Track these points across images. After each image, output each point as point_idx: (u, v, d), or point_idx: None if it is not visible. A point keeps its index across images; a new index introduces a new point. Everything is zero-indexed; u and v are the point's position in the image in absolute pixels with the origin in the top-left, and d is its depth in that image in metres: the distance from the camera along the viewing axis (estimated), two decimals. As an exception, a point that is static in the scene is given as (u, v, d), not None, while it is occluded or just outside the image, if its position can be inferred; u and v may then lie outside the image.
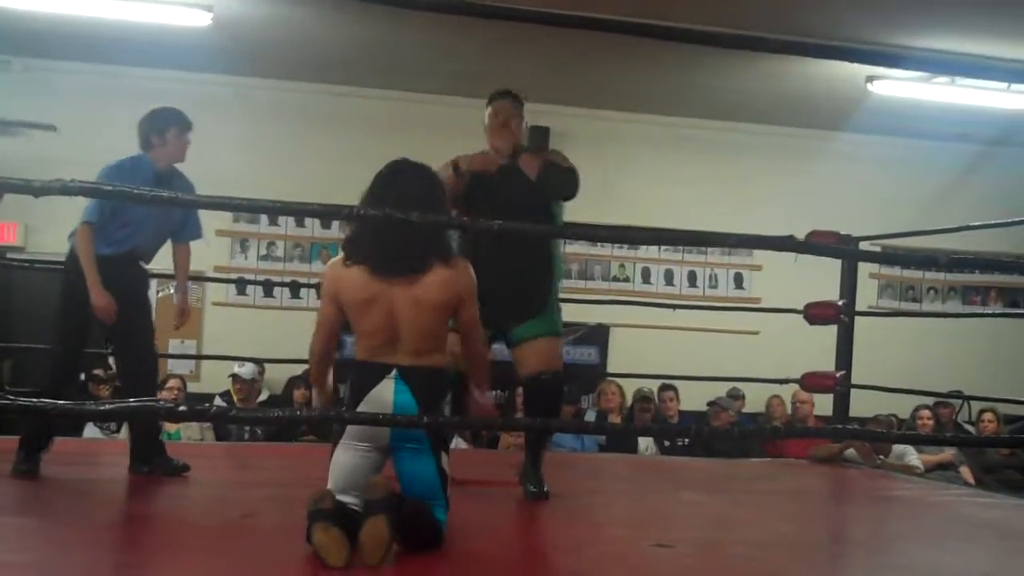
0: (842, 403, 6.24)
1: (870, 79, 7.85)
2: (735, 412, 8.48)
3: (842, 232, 5.45)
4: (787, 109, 8.99)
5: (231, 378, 7.90)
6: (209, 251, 8.59)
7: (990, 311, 10.22)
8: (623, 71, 8.08)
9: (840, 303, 5.95)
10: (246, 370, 7.85)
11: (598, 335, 9.19)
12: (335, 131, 8.83)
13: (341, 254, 3.34)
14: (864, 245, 6.02)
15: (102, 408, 3.39)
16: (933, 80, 7.85)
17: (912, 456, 7.50)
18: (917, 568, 3.65)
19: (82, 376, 6.64)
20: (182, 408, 3.17)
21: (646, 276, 9.71)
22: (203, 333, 8.85)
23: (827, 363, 6.22)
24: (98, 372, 7.22)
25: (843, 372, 6.08)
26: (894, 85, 7.96)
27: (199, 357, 8.62)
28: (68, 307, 4.49)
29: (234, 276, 8.61)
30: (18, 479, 4.31)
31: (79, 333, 4.52)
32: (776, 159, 9.68)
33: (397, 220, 3.04)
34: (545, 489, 4.38)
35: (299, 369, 8.02)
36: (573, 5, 3.82)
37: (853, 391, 6.19)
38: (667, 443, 7.71)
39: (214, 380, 8.24)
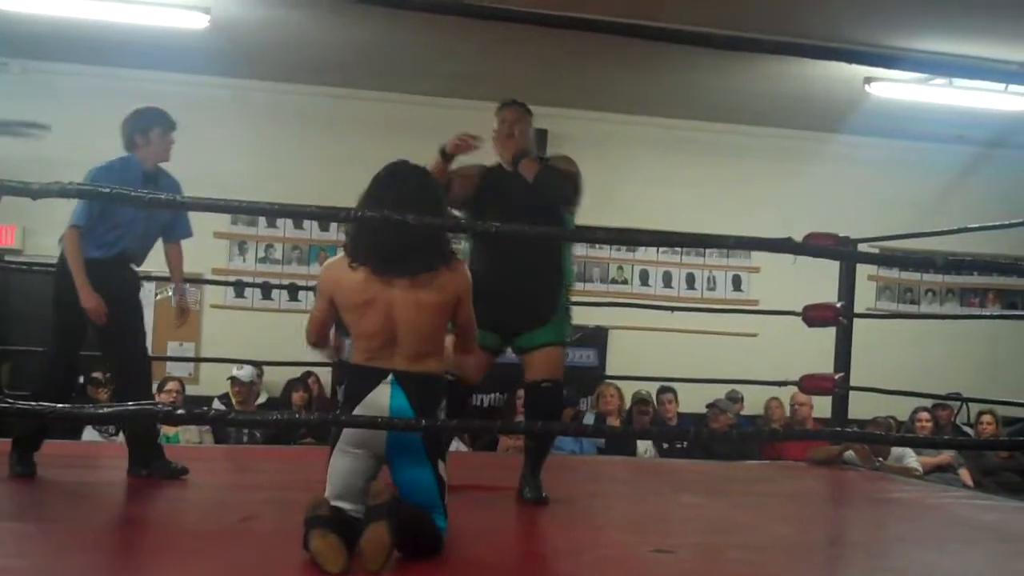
0: (841, 405, 6.23)
1: (868, 81, 7.86)
2: (734, 414, 8.48)
3: (840, 234, 5.44)
4: (785, 111, 8.99)
5: (230, 381, 7.89)
6: (207, 253, 8.62)
7: (988, 313, 10.22)
8: (621, 73, 8.08)
9: (838, 305, 5.95)
10: (245, 373, 7.84)
11: (597, 337, 9.18)
12: (333, 133, 8.83)
13: (339, 254, 3.34)
14: (862, 247, 6.02)
15: (100, 411, 3.38)
16: (931, 82, 7.85)
17: (911, 458, 7.50)
18: (915, 571, 3.65)
19: (80, 379, 6.63)
20: (180, 411, 3.16)
21: (644, 278, 9.71)
22: (201, 336, 8.84)
23: (825, 365, 6.22)
24: (96, 375, 7.22)
25: (841, 374, 6.08)
26: (892, 87, 7.96)
27: (197, 360, 8.62)
28: (61, 310, 4.48)
29: (232, 278, 8.62)
30: (15, 482, 4.31)
31: (73, 336, 4.51)
32: (774, 161, 9.68)
33: (396, 221, 3.04)
34: (544, 495, 4.37)
35: (298, 372, 8.02)
36: (571, 7, 3.82)
37: (852, 393, 6.18)
38: (666, 445, 7.70)
39: (213, 383, 8.24)
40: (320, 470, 3.29)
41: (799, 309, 5.87)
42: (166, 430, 6.59)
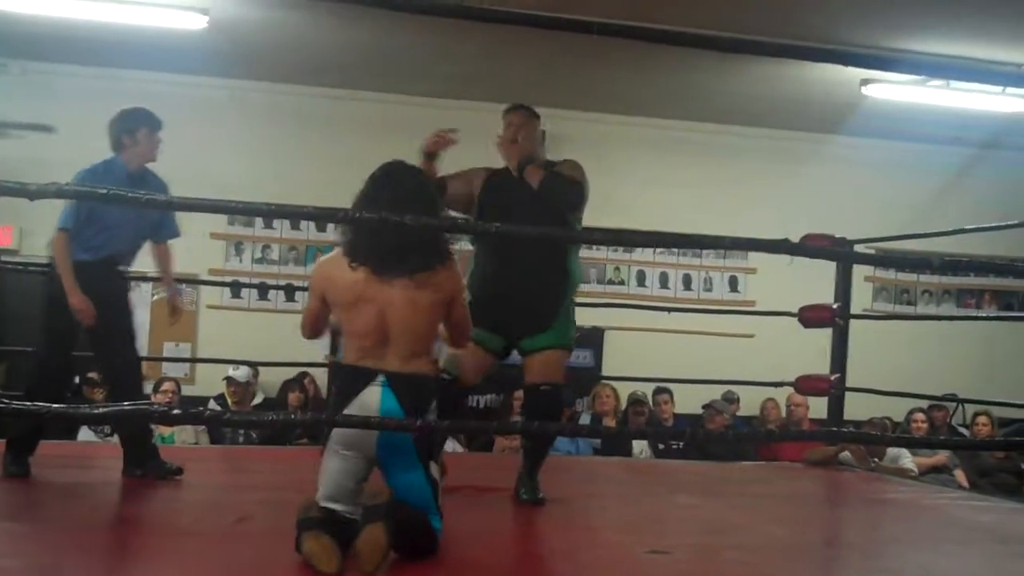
0: (837, 406, 6.23)
1: (865, 82, 7.86)
2: (730, 415, 8.49)
3: (837, 235, 5.44)
4: (782, 112, 9.00)
5: (226, 381, 7.89)
6: (204, 254, 8.63)
7: (984, 314, 10.23)
8: (618, 74, 8.09)
9: (835, 306, 5.95)
10: (241, 373, 7.85)
11: (593, 338, 9.19)
12: (330, 134, 8.83)
13: (333, 252, 3.33)
14: (859, 248, 6.03)
15: (96, 411, 3.37)
16: (928, 83, 7.86)
17: (906, 459, 7.50)
18: (911, 572, 3.65)
19: (76, 379, 6.63)
20: (176, 411, 3.16)
21: (641, 279, 9.72)
22: (198, 336, 8.85)
23: (822, 366, 6.22)
24: (92, 375, 7.21)
25: (838, 375, 6.08)
26: (889, 88, 7.97)
27: (193, 360, 8.63)
28: (51, 312, 4.47)
29: (229, 279, 8.62)
30: (9, 482, 4.31)
31: (64, 338, 4.50)
32: (771, 162, 9.69)
33: (394, 223, 3.04)
34: (540, 496, 4.38)
35: (293, 372, 8.02)
36: (568, 8, 3.83)
37: (848, 394, 6.18)
38: (661, 446, 7.70)
39: (208, 383, 8.23)
40: (315, 471, 3.29)
41: (795, 310, 5.88)
42: (162, 430, 6.60)
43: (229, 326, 8.74)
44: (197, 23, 7.00)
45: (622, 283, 9.68)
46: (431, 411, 3.25)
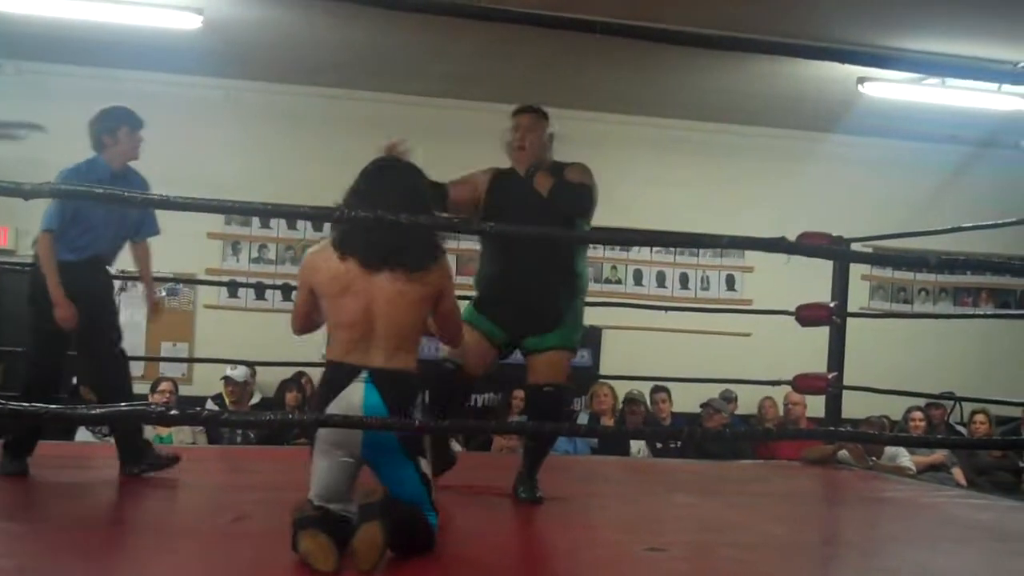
0: (834, 404, 6.23)
1: (861, 81, 7.87)
2: (728, 414, 8.49)
3: (833, 233, 5.45)
4: (778, 111, 9.00)
5: (223, 381, 7.88)
6: (201, 254, 8.63)
7: (981, 312, 10.24)
8: (615, 73, 8.09)
9: (832, 304, 5.95)
10: (238, 373, 7.84)
11: (590, 337, 9.17)
12: (326, 134, 8.81)
13: (322, 243, 3.33)
14: (855, 246, 6.02)
15: (93, 412, 3.37)
16: (924, 82, 7.86)
17: (904, 458, 7.51)
18: (909, 570, 3.65)
19: (73, 380, 6.62)
20: (174, 411, 3.16)
21: (638, 278, 9.72)
22: (195, 336, 8.84)
23: (819, 365, 6.22)
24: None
25: (835, 373, 6.08)
26: (885, 87, 7.97)
27: (191, 360, 8.62)
28: (38, 313, 4.46)
29: (226, 279, 8.61)
30: (7, 481, 4.30)
31: (53, 337, 4.47)
32: (768, 161, 9.70)
33: (389, 221, 3.04)
34: (538, 495, 4.37)
35: (291, 372, 8.02)
36: (564, 7, 3.83)
37: (845, 392, 6.18)
38: (659, 445, 7.71)
39: (206, 383, 8.22)
40: (308, 470, 3.28)
41: (793, 309, 5.87)
42: (160, 430, 6.60)
43: (226, 326, 8.73)
44: (192, 23, 6.99)
45: (619, 282, 9.68)
46: (416, 408, 3.23)
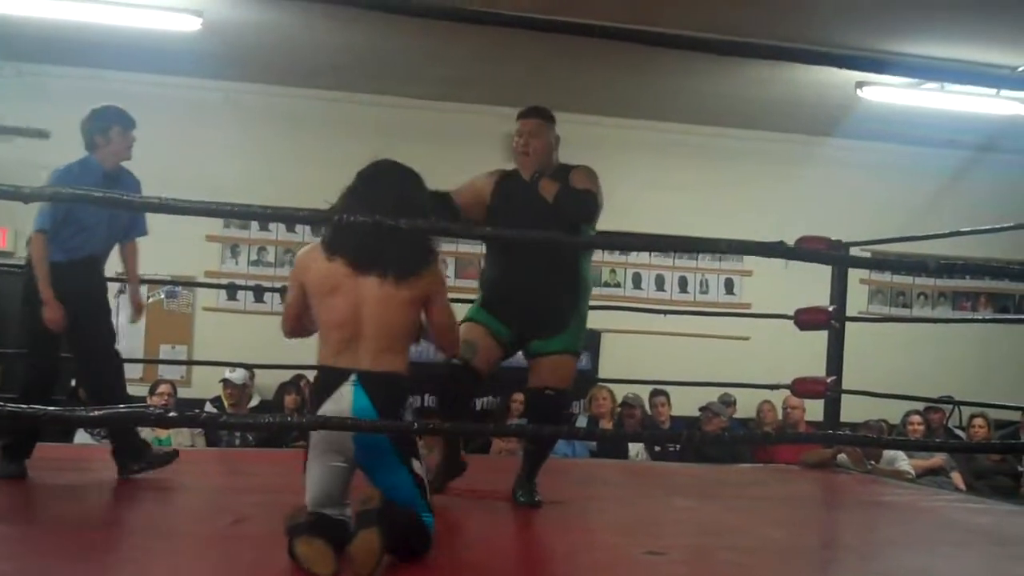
0: (833, 408, 6.24)
1: (860, 85, 7.87)
2: (727, 417, 8.49)
3: (832, 237, 5.44)
4: (777, 115, 9.01)
5: (222, 383, 7.88)
6: (200, 256, 8.63)
7: (980, 316, 10.24)
8: (613, 77, 8.09)
9: (830, 308, 5.95)
10: (237, 375, 7.83)
11: (589, 340, 9.15)
12: (325, 136, 8.81)
13: (314, 241, 3.32)
14: (854, 251, 6.03)
15: (91, 415, 3.37)
16: (923, 86, 7.87)
17: (903, 462, 7.50)
18: (908, 574, 3.65)
19: (72, 382, 6.61)
20: (172, 414, 3.15)
21: (637, 282, 9.72)
22: (194, 338, 8.84)
23: (818, 368, 6.22)
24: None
25: (834, 377, 6.08)
26: (884, 91, 7.98)
27: (190, 363, 8.61)
28: (31, 314, 4.45)
29: (225, 281, 8.61)
30: (5, 484, 4.30)
31: (48, 338, 4.47)
32: (766, 165, 9.70)
33: (388, 225, 3.03)
34: (537, 498, 4.37)
35: (290, 375, 8.01)
36: (563, 11, 3.83)
37: (844, 396, 6.19)
38: (658, 448, 7.70)
39: (205, 385, 8.22)
40: (301, 475, 3.28)
41: (791, 312, 5.87)
42: (158, 433, 6.59)
43: (225, 328, 8.72)
44: (191, 25, 6.99)
45: (618, 285, 9.68)
46: (406, 410, 3.22)
